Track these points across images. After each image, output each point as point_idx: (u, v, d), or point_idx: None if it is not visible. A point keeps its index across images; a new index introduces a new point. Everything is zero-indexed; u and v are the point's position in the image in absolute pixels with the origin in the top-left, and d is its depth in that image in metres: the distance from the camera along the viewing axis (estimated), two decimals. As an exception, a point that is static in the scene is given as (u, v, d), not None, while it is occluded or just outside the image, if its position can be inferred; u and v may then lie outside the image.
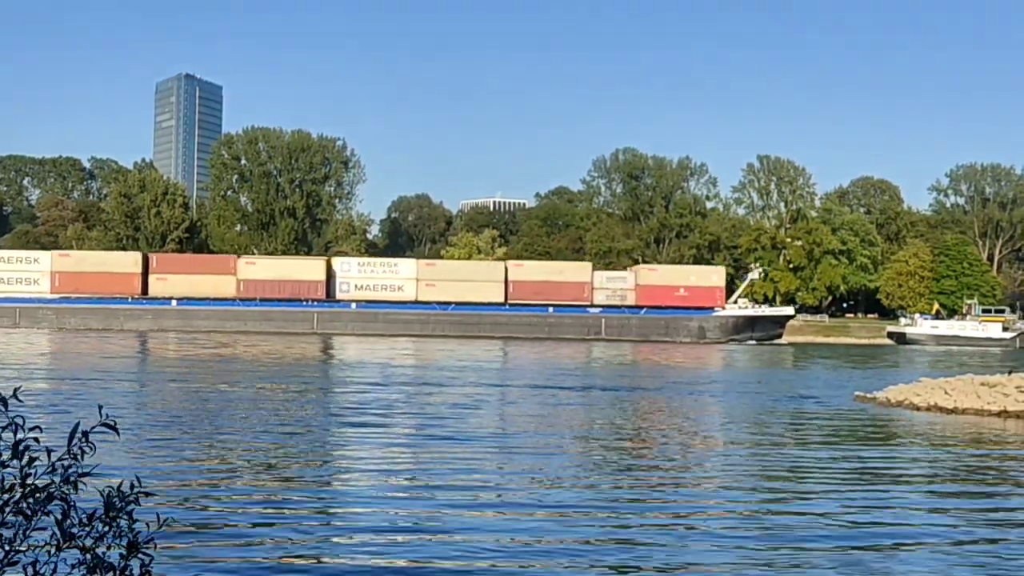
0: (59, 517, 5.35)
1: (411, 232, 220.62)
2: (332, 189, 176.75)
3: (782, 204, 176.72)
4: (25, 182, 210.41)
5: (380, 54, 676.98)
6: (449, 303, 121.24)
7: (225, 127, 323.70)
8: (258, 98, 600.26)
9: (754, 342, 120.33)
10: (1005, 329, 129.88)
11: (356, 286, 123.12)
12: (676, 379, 60.73)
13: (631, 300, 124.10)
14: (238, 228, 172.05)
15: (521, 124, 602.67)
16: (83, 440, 5.51)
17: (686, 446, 31.16)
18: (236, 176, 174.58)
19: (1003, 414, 40.49)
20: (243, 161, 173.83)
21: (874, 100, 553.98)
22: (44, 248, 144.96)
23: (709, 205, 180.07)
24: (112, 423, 5.70)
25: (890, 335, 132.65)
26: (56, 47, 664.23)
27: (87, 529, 5.40)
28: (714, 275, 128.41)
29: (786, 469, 27.70)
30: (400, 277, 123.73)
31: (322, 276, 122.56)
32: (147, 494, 5.63)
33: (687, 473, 26.32)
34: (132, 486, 5.59)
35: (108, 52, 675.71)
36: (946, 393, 43.58)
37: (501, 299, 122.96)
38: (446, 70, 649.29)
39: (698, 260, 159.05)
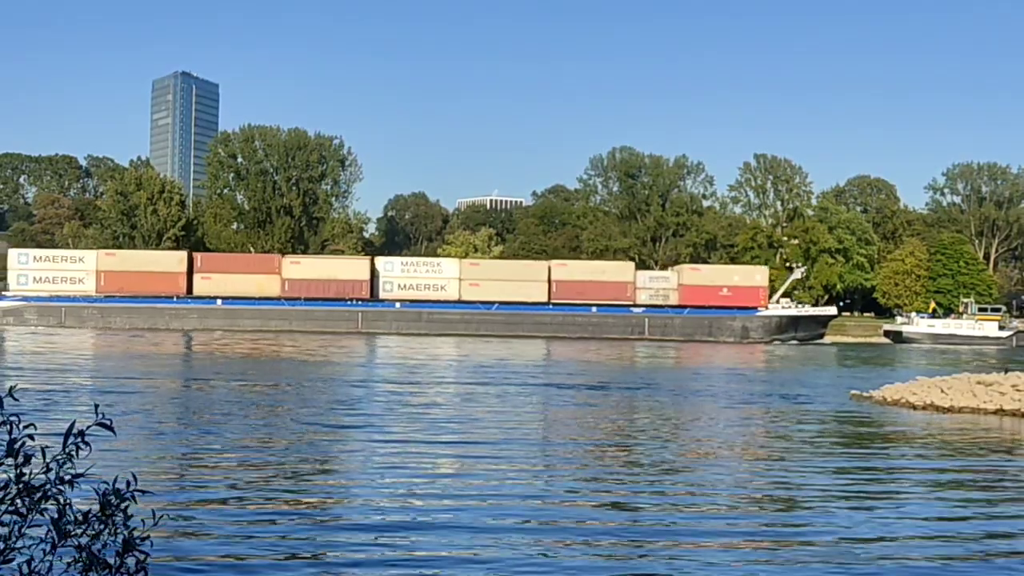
0: (55, 516, 5.33)
1: (407, 230, 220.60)
2: (329, 187, 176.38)
3: (779, 203, 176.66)
4: (21, 180, 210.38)
5: (377, 53, 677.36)
6: (493, 303, 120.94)
7: (222, 125, 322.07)
8: (255, 96, 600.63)
9: (797, 342, 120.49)
10: (1001, 328, 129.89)
11: (399, 285, 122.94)
12: (677, 378, 60.72)
13: (674, 300, 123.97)
14: (235, 226, 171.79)
15: (518, 122, 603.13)
16: (78, 439, 5.49)
17: (679, 448, 31.13)
18: (232, 174, 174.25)
19: (999, 412, 40.53)
20: (239, 159, 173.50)
21: (871, 99, 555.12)
22: (40, 246, 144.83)
23: (706, 204, 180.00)
24: (108, 422, 5.67)
25: (886, 334, 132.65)
26: (53, 45, 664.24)
27: (83, 527, 5.38)
28: (757, 275, 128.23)
29: (782, 470, 27.70)
30: (443, 276, 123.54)
31: (366, 275, 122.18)
32: (143, 492, 5.61)
33: (680, 476, 26.29)
34: (128, 484, 5.57)
35: (105, 50, 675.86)
36: (942, 392, 43.61)
37: (544, 298, 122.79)
38: (443, 69, 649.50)
39: (695, 259, 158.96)
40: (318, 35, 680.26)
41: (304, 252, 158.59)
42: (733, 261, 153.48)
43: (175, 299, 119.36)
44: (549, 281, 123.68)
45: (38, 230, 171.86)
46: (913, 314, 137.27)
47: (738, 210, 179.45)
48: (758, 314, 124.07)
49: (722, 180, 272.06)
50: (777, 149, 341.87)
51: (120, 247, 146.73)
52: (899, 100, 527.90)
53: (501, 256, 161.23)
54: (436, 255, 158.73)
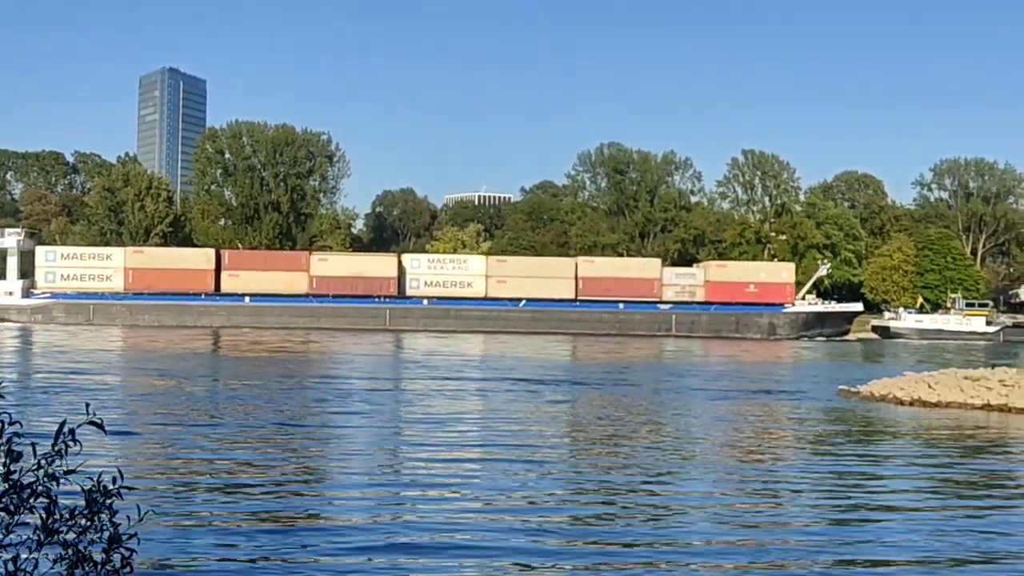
0: (43, 514, 5.32)
1: (396, 227, 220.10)
2: (317, 183, 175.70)
3: (766, 198, 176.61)
4: (8, 176, 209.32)
5: (365, 48, 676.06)
6: (520, 299, 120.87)
7: (209, 121, 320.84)
8: (242, 92, 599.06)
9: (823, 338, 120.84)
10: (988, 323, 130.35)
11: (426, 282, 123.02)
12: (669, 373, 60.81)
13: (700, 296, 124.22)
14: (222, 222, 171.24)
15: (506, 118, 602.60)
16: (68, 437, 5.47)
17: (664, 449, 31.14)
18: (220, 170, 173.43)
19: (986, 408, 40.65)
20: (227, 155, 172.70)
21: (858, 94, 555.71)
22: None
23: (694, 199, 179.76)
24: (99, 421, 5.66)
25: (874, 329, 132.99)
26: (39, 41, 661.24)
27: (69, 524, 5.37)
28: (784, 272, 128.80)
29: (764, 469, 27.75)
30: (470, 273, 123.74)
31: (394, 273, 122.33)
32: (129, 488, 5.60)
33: (667, 474, 26.32)
34: (114, 480, 5.56)
35: (92, 46, 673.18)
36: (930, 387, 43.70)
37: (571, 295, 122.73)
38: (430, 65, 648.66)
39: (683, 254, 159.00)
40: (306, 31, 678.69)
41: (292, 248, 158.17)
42: (721, 257, 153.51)
43: (203, 296, 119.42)
44: (576, 278, 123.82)
45: (25, 226, 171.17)
46: (901, 309, 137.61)
47: (726, 206, 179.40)
48: (785, 310, 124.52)
49: (710, 176, 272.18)
50: (765, 145, 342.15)
51: (108, 244, 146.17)
52: (886, 95, 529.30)
53: (490, 252, 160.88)
54: (424, 251, 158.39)
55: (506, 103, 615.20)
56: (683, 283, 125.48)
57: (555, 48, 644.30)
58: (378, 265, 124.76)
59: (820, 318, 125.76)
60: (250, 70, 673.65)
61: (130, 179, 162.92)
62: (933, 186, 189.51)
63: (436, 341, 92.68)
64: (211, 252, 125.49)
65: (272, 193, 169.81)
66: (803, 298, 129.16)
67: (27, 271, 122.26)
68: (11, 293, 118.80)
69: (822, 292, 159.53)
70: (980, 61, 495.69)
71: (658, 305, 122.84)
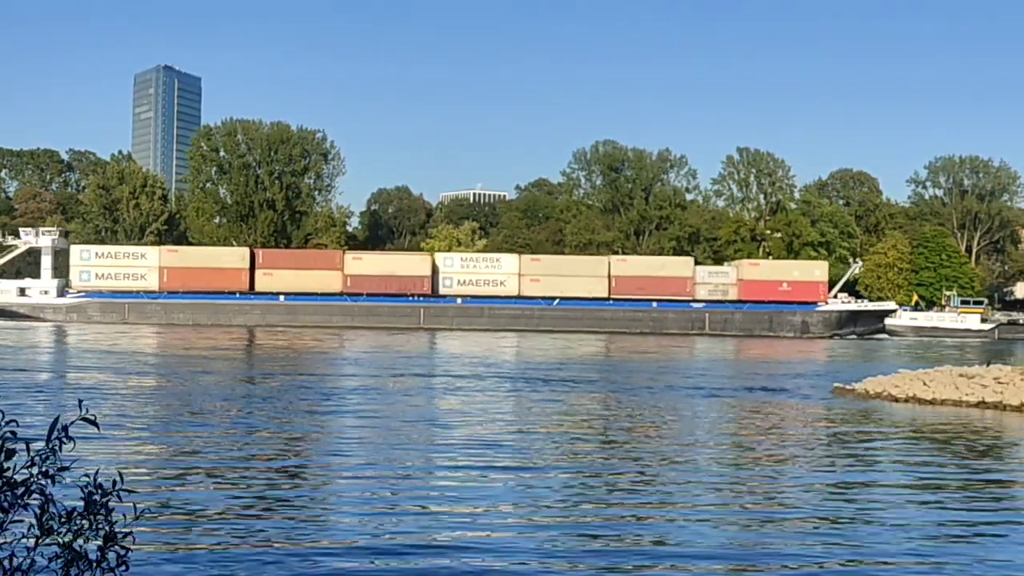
0: (38, 512, 5.30)
1: (391, 224, 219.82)
2: (312, 181, 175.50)
3: (761, 196, 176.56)
4: (2, 174, 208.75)
5: (359, 46, 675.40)
6: (553, 298, 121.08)
7: (204, 119, 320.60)
8: (237, 90, 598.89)
9: (856, 336, 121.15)
10: (983, 320, 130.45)
11: (459, 281, 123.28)
12: (661, 371, 60.81)
13: (733, 295, 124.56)
14: (217, 220, 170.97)
15: (501, 116, 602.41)
16: (62, 434, 5.46)
17: (655, 450, 31.11)
18: (215, 168, 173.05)
19: (981, 405, 40.66)
20: (222, 153, 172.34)
21: (853, 92, 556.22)
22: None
23: (689, 197, 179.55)
24: (92, 418, 5.64)
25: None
26: (34, 38, 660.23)
27: (66, 525, 5.35)
28: (817, 270, 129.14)
29: (762, 466, 27.75)
30: (502, 272, 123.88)
31: (428, 271, 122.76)
32: (128, 491, 5.58)
33: (658, 474, 26.32)
34: (114, 483, 5.54)
35: (87, 44, 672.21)
36: (925, 384, 43.70)
37: (604, 294, 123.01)
38: (425, 62, 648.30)
39: (678, 252, 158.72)
40: (301, 29, 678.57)
41: (287, 246, 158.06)
42: (716, 255, 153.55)
43: (238, 295, 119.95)
44: (609, 276, 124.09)
45: (19, 224, 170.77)
46: (896, 307, 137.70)
47: (721, 204, 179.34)
48: (818, 309, 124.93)
49: (705, 174, 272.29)
50: (760, 142, 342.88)
51: (103, 242, 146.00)
52: (881, 93, 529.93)
53: (485, 249, 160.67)
54: (420, 249, 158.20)
55: (501, 101, 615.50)
56: (716, 282, 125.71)
57: (550, 46, 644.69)
58: (412, 264, 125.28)
59: (853, 316, 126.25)
60: (245, 67, 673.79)
61: (125, 177, 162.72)
62: (928, 184, 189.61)
63: (474, 341, 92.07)
64: (245, 251, 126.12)
65: (267, 191, 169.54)
66: (835, 296, 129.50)
67: (61, 270, 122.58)
68: (46, 292, 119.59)
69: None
70: (975, 59, 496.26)
71: (691, 304, 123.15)
